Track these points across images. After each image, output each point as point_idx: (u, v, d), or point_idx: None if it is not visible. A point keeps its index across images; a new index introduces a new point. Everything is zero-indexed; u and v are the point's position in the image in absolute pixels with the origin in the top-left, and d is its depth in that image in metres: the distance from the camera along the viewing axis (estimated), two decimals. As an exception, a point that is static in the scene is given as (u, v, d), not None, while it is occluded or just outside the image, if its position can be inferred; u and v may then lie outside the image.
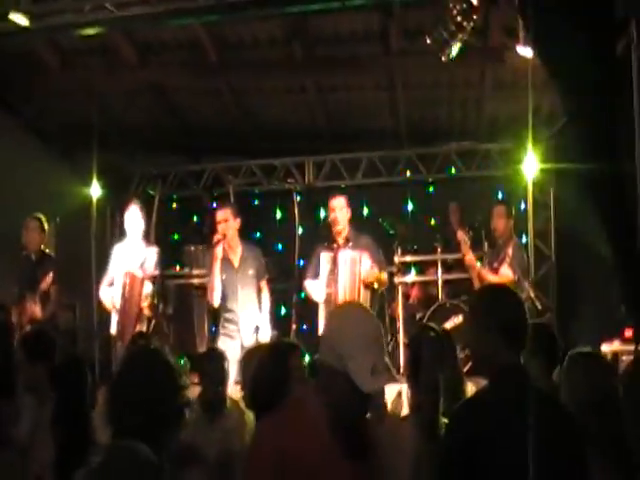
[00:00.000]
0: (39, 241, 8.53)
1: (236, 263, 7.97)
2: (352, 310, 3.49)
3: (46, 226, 8.61)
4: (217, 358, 5.58)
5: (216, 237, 7.89)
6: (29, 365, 5.03)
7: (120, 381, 2.96)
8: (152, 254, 8.24)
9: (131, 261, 8.19)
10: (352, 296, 7.43)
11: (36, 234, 8.52)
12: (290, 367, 4.30)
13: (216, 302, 7.94)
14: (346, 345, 3.14)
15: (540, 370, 4.50)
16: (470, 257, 8.30)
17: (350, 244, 7.79)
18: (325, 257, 7.76)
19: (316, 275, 7.98)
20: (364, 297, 7.54)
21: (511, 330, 3.49)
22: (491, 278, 8.02)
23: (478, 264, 8.31)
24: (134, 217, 8.37)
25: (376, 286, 7.78)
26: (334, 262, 7.60)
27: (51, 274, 8.20)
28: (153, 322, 8.03)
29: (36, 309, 8.08)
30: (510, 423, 3.32)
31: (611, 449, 3.85)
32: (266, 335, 7.77)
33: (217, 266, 7.84)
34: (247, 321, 7.84)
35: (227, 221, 7.91)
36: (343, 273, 7.54)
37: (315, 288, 8.00)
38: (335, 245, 7.82)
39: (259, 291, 8.00)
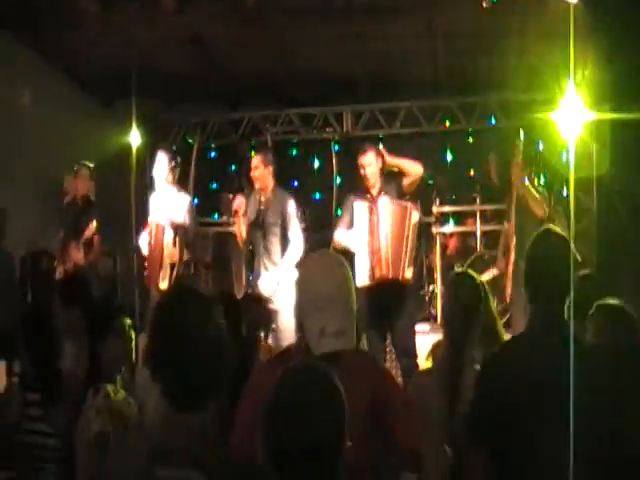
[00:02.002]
0: (87, 188, 8.63)
1: (262, 206, 7.98)
2: (316, 265, 3.36)
3: (93, 174, 8.68)
4: (252, 302, 5.61)
5: (235, 204, 7.97)
6: (64, 310, 5.05)
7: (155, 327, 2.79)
8: (183, 202, 8.28)
9: (160, 210, 8.26)
10: (397, 244, 7.28)
11: (85, 181, 8.62)
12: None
13: (243, 244, 8.05)
14: (302, 302, 3.12)
15: (579, 321, 4.50)
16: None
17: (383, 193, 7.64)
18: (361, 206, 7.55)
19: (350, 226, 7.75)
20: (410, 246, 7.37)
21: (543, 282, 3.51)
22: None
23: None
24: (162, 165, 8.40)
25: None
26: (372, 211, 7.45)
27: (94, 222, 8.30)
28: (175, 270, 8.10)
29: (79, 256, 8.20)
30: (541, 367, 3.35)
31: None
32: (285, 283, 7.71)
33: (240, 224, 7.99)
34: (269, 268, 7.88)
35: (257, 168, 7.93)
36: (385, 221, 7.37)
37: (351, 238, 7.64)
38: (369, 195, 7.67)
39: (287, 239, 7.94)
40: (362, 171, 7.59)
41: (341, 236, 7.73)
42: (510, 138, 10.11)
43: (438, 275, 8.78)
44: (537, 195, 7.87)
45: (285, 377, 2.30)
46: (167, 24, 9.88)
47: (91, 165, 8.72)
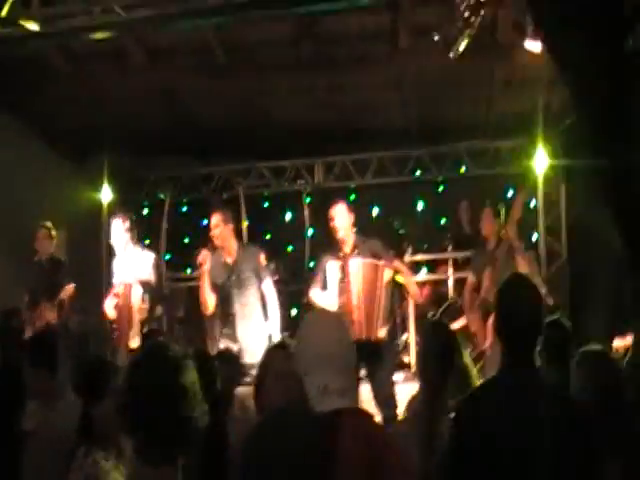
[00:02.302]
0: (48, 248, 8.63)
1: (231, 262, 7.91)
2: (316, 322, 3.33)
3: (54, 233, 8.68)
4: (227, 358, 5.57)
5: (200, 257, 7.89)
6: (32, 370, 4.96)
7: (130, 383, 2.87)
8: (148, 259, 8.27)
9: (125, 270, 8.25)
10: (369, 304, 7.26)
11: (45, 241, 8.63)
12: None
13: (208, 309, 7.97)
14: (302, 360, 3.10)
15: (551, 366, 4.50)
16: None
17: (357, 251, 7.60)
18: (333, 266, 7.50)
19: (324, 286, 7.67)
20: (383, 304, 7.35)
21: (519, 327, 3.50)
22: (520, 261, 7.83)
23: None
24: (117, 230, 8.41)
25: (400, 279, 7.65)
26: (344, 271, 7.40)
27: (71, 287, 8.30)
28: (146, 326, 8.06)
29: (52, 316, 8.17)
30: (513, 415, 3.33)
31: (616, 446, 3.82)
32: (276, 337, 7.72)
33: (205, 279, 7.89)
34: (246, 324, 7.79)
35: (218, 226, 7.89)
36: (356, 281, 7.34)
37: (325, 299, 7.59)
38: (341, 254, 7.58)
39: (262, 292, 7.90)
40: (331, 223, 7.57)
41: (315, 296, 7.68)
42: (480, 186, 10.23)
43: (411, 324, 8.76)
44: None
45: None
46: (137, 79, 9.94)
47: (49, 224, 8.72)
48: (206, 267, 7.80)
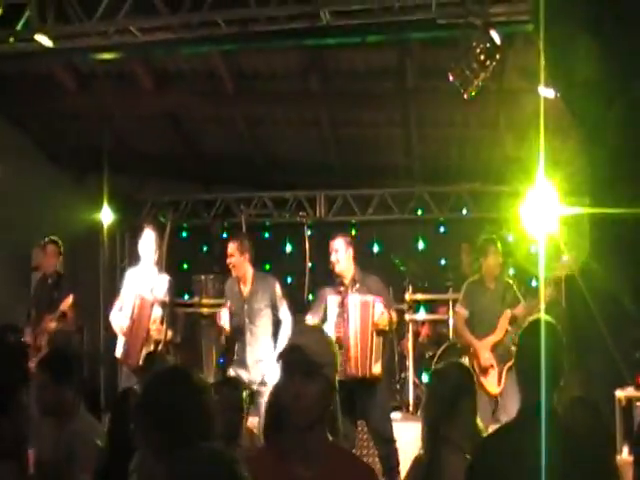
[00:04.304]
0: (55, 263, 8.51)
1: (245, 294, 7.85)
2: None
3: (62, 249, 8.58)
4: (234, 386, 5.49)
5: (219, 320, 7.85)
6: (54, 387, 4.87)
7: (146, 402, 2.83)
8: (164, 281, 8.15)
9: (142, 285, 8.11)
10: (364, 341, 7.25)
11: (53, 257, 8.50)
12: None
13: (226, 326, 7.84)
14: None
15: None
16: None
17: (357, 286, 7.55)
18: (333, 300, 7.48)
19: (322, 319, 7.62)
20: (376, 342, 7.34)
21: (533, 370, 3.48)
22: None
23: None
24: (148, 241, 8.28)
25: (387, 329, 7.62)
26: (343, 306, 7.39)
27: (71, 296, 8.15)
28: (160, 346, 7.95)
29: (53, 327, 8.05)
30: (531, 456, 3.29)
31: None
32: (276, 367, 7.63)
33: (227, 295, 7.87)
34: (257, 353, 7.71)
35: (233, 256, 7.84)
36: (353, 318, 7.33)
37: None
38: (342, 288, 7.55)
39: (277, 322, 7.83)
40: (331, 256, 7.59)
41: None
42: (481, 229, 10.21)
43: (410, 362, 8.72)
44: None
45: None
46: (143, 102, 9.94)
47: (56, 239, 8.61)
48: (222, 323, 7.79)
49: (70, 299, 8.14)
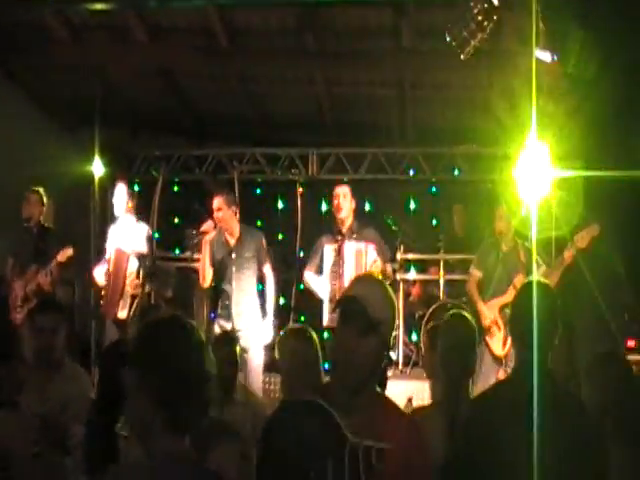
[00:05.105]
0: (39, 214, 8.50)
1: (232, 243, 7.88)
2: None
3: (45, 199, 8.56)
4: (229, 341, 5.53)
5: (204, 226, 7.87)
6: (50, 334, 4.89)
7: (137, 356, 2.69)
8: (142, 231, 8.21)
9: (120, 238, 8.18)
10: None
11: (36, 207, 8.48)
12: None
13: (205, 283, 7.93)
14: None
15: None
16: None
17: (354, 235, 7.70)
18: (329, 249, 7.65)
19: (319, 269, 7.87)
20: None
21: (528, 330, 3.52)
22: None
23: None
24: (120, 194, 8.39)
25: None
26: (339, 254, 7.50)
27: (70, 249, 8.15)
28: (136, 300, 7.99)
29: (46, 281, 8.05)
30: (523, 414, 3.33)
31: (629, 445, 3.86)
32: (268, 323, 7.71)
33: (206, 250, 7.86)
34: (241, 304, 7.75)
35: (220, 210, 7.85)
36: (349, 265, 7.44)
37: (319, 284, 7.91)
38: (339, 237, 7.71)
39: (261, 276, 7.90)
40: (335, 201, 7.67)
41: (309, 279, 7.87)
42: (473, 191, 10.23)
43: (400, 321, 8.76)
44: None
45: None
46: (136, 55, 9.85)
47: (39, 189, 8.59)
48: (208, 237, 7.78)
49: (69, 251, 8.15)
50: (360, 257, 7.44)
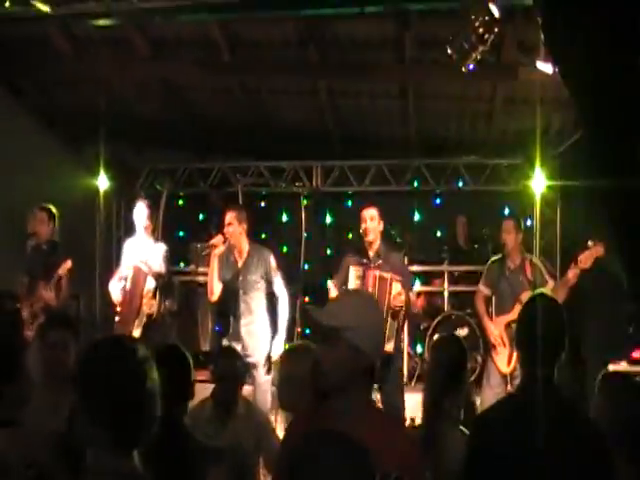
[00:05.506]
0: (48, 231, 8.50)
1: (240, 264, 7.83)
2: None
3: (55, 216, 8.57)
4: (231, 356, 5.53)
5: (214, 239, 7.85)
6: (65, 349, 4.90)
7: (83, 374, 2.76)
8: (160, 251, 8.20)
9: (139, 255, 8.17)
10: None
11: (45, 224, 8.49)
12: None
13: (214, 297, 7.86)
14: None
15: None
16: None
17: (380, 261, 7.53)
18: (353, 271, 7.47)
19: (342, 285, 7.62)
20: (389, 320, 7.24)
21: (533, 346, 3.50)
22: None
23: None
24: (140, 213, 8.36)
25: (403, 310, 7.47)
26: (363, 279, 7.38)
27: (69, 262, 8.15)
28: (153, 318, 7.99)
29: (50, 296, 8.06)
30: (528, 431, 3.32)
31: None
32: (279, 341, 7.67)
33: (215, 264, 7.78)
34: (250, 324, 7.71)
35: (231, 224, 7.82)
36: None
37: None
38: (365, 260, 7.56)
39: (271, 295, 7.84)
40: (363, 225, 7.54)
41: (332, 289, 7.67)
42: (477, 202, 10.23)
43: (405, 334, 8.75)
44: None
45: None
46: (140, 69, 9.88)
47: (49, 206, 8.60)
48: (217, 251, 7.74)
49: (68, 263, 8.16)
50: (383, 286, 7.29)
